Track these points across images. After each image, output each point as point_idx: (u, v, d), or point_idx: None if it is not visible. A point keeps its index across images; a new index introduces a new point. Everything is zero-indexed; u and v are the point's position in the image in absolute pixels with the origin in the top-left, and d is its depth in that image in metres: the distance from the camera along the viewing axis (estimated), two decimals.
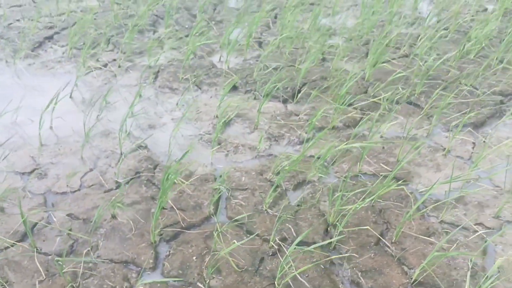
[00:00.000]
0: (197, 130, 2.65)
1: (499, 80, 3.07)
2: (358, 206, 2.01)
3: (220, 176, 2.30)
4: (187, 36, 3.48)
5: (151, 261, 1.89)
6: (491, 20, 3.77)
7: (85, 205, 2.15)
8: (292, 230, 2.04)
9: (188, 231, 2.03)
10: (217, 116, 2.75)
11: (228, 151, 2.50)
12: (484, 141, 2.58)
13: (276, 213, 2.11)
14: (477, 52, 3.37)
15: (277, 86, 2.95)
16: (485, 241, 1.99)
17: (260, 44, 3.56)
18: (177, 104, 2.87)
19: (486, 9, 4.12)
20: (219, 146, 2.53)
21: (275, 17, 3.95)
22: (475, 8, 4.02)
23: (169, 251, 1.94)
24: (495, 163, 2.43)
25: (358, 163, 2.40)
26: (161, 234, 2.01)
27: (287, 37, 3.48)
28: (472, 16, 3.91)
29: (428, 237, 2.02)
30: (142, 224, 2.06)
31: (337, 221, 2.05)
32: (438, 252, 1.85)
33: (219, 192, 2.21)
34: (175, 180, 2.16)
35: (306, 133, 2.61)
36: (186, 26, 3.78)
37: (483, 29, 3.50)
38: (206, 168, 2.38)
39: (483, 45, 3.42)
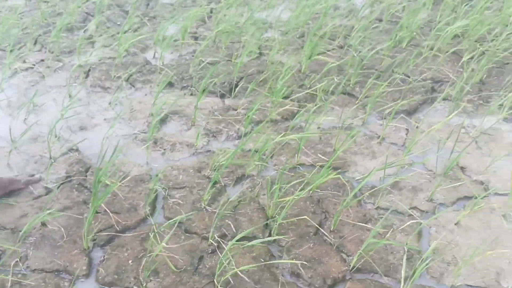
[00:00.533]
0: (131, 130, 2.57)
1: (429, 68, 3.17)
2: (296, 197, 2.00)
3: (156, 175, 2.24)
4: (119, 33, 3.36)
5: (84, 268, 1.81)
6: (422, 9, 3.89)
7: (13, 214, 2.03)
8: (232, 226, 2.01)
9: (123, 235, 1.96)
10: (152, 114, 2.68)
11: (164, 149, 2.44)
12: (416, 127, 2.65)
13: (215, 210, 2.08)
14: (409, 41, 3.47)
15: (214, 81, 2.90)
16: (420, 224, 2.04)
17: (196, 39, 3.50)
18: (109, 103, 2.76)
19: None
20: (155, 144, 2.46)
21: (211, 12, 3.90)
22: None
23: (104, 256, 1.86)
24: (427, 148, 2.50)
25: (296, 154, 2.40)
26: (94, 239, 1.93)
27: (223, 31, 3.44)
28: (404, 6, 4.02)
29: (365, 223, 2.05)
30: (74, 230, 1.96)
31: (277, 214, 2.04)
32: (375, 238, 1.89)
33: (155, 192, 2.15)
34: (108, 182, 2.08)
35: (244, 127, 2.58)
36: (118, 23, 3.66)
37: (414, 18, 3.60)
38: (142, 168, 2.31)
39: (414, 34, 3.52)
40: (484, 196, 2.16)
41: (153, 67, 3.12)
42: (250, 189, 2.21)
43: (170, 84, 2.94)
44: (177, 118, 2.68)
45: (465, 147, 2.42)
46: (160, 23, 3.58)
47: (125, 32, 3.45)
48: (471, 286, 1.83)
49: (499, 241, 2.00)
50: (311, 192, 2.16)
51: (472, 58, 3.20)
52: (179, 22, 3.61)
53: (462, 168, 2.39)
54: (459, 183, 2.28)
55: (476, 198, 2.15)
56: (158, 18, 3.76)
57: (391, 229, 2.02)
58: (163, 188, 2.18)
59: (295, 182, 2.16)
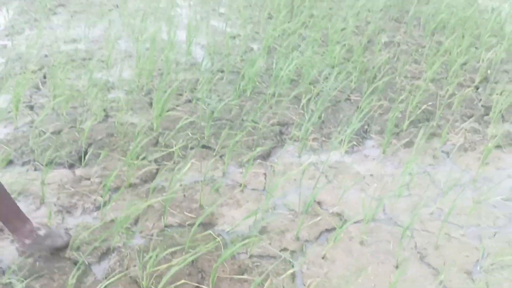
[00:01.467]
0: None
1: (275, 112, 3.38)
2: (174, 265, 1.92)
3: (9, 268, 1.95)
4: None
5: None
6: (258, 59, 4.17)
7: None
8: None
9: None
10: None
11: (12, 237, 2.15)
12: (273, 171, 2.78)
13: None
14: (252, 89, 3.66)
15: (59, 152, 2.69)
16: (292, 265, 2.10)
17: (31, 108, 3.22)
18: None
19: (252, 49, 4.54)
20: (1, 232, 2.16)
21: (44, 77, 3.64)
22: (243, 49, 4.39)
23: None
24: (286, 189, 2.63)
25: (162, 217, 2.31)
26: None
27: (60, 96, 3.22)
28: (241, 56, 4.26)
29: (242, 275, 2.05)
30: None
31: (152, 285, 1.92)
32: None
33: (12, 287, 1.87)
34: None
35: (101, 196, 2.42)
36: None
37: (253, 68, 3.82)
38: None
39: (256, 82, 3.74)
40: (342, 227, 2.33)
41: None
42: (118, 263, 2.06)
43: (10, 162, 2.64)
44: (22, 198, 2.40)
45: (316, 183, 2.60)
46: None
47: None
48: None
49: (362, 266, 2.16)
50: (183, 253, 2.09)
51: (309, 99, 3.50)
52: (10, 91, 3.30)
53: (319, 203, 2.56)
54: (318, 218, 2.43)
55: (335, 229, 2.30)
56: None
57: (264, 274, 2.05)
58: (19, 280, 1.90)
59: (167, 247, 2.07)
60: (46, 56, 3.99)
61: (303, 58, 4.01)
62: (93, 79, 3.56)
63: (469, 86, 3.84)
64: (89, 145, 2.86)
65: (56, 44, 4.25)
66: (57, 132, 2.93)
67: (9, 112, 3.09)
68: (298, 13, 5.15)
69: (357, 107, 3.49)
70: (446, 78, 4.01)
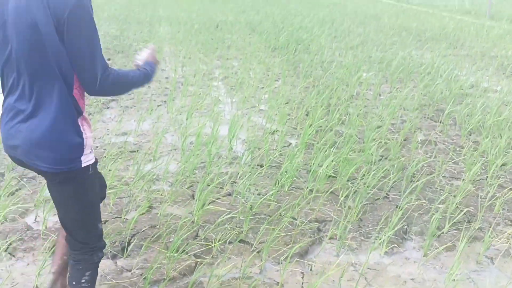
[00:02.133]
0: None
1: (313, 209, 3.42)
2: None
3: None
4: None
5: None
6: (297, 154, 4.29)
7: None
8: None
9: None
10: (37, 287, 2.43)
11: None
12: (310, 269, 2.76)
13: None
14: (290, 185, 3.75)
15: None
16: None
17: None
18: None
19: (290, 144, 4.70)
20: None
21: None
22: (281, 144, 4.56)
23: None
24: None
25: None
26: None
27: (109, 188, 3.39)
28: (280, 151, 4.41)
29: None
30: None
31: None
32: None
33: None
34: None
35: None
36: None
37: (292, 163, 3.94)
38: None
39: (294, 178, 3.83)
40: None
41: (36, 232, 2.91)
42: None
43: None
44: None
45: (356, 285, 2.56)
46: (40, 184, 3.44)
47: (1, 197, 3.23)
48: None
49: None
50: None
51: (347, 196, 3.54)
52: None
53: None
54: None
55: None
56: (37, 178, 3.61)
57: None
58: None
59: None
60: (97, 147, 4.26)
61: (340, 155, 4.11)
62: (140, 171, 3.74)
63: (510, 189, 3.79)
64: (133, 236, 2.95)
65: (107, 137, 4.55)
66: (103, 222, 3.05)
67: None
68: (335, 111, 5.34)
69: (396, 206, 3.49)
70: (486, 179, 3.99)
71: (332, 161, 3.91)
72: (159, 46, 8.48)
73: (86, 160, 1.82)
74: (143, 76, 1.96)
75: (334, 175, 3.90)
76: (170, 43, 8.98)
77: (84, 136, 1.82)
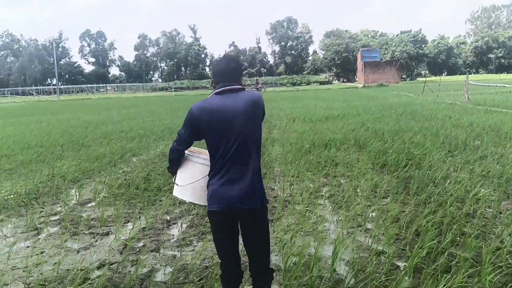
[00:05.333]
0: None
1: None
2: None
3: None
4: None
5: None
6: (404, 278, 4.08)
7: None
8: None
9: None
10: None
11: None
12: None
13: None
14: None
15: None
16: None
17: None
18: None
19: (397, 267, 4.49)
20: None
21: None
22: (387, 266, 4.38)
23: None
24: None
25: None
26: None
27: None
28: (386, 275, 4.23)
29: None
30: None
31: None
32: None
33: None
34: None
35: None
36: None
37: None
38: None
39: None
40: None
41: None
42: None
43: None
44: None
45: None
46: None
47: None
48: None
49: None
50: None
51: None
52: None
53: None
54: None
55: None
56: None
57: None
58: None
59: None
60: (206, 267, 4.49)
61: (453, 281, 3.82)
62: None
63: None
64: None
65: (216, 256, 4.78)
66: None
67: None
68: (448, 231, 5.06)
69: None
70: None
71: None
72: (270, 166, 8.96)
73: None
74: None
75: None
76: (280, 163, 9.44)
77: None
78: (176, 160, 3.14)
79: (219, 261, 3.20)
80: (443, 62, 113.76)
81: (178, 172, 3.17)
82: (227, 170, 2.89)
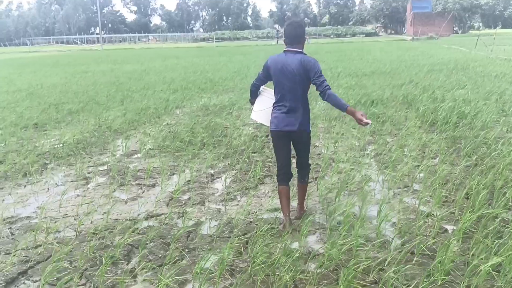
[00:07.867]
0: None
1: None
2: None
3: None
4: (160, 265, 3.52)
5: None
6: (453, 242, 3.97)
7: None
8: None
9: None
10: None
11: None
12: None
13: None
14: (444, 278, 3.47)
15: None
16: None
17: (232, 272, 3.61)
18: None
19: (446, 230, 4.38)
20: None
21: (247, 243, 4.09)
22: (436, 230, 4.27)
23: None
24: None
25: None
26: None
27: (258, 265, 3.55)
28: (434, 238, 4.13)
29: None
30: None
31: None
32: None
33: None
34: None
35: None
36: (160, 256, 3.86)
37: (445, 252, 3.66)
38: None
39: (449, 271, 3.53)
40: None
41: None
42: None
43: None
44: None
45: None
46: (199, 255, 3.76)
47: (161, 265, 3.60)
48: None
49: None
50: None
51: None
52: (217, 253, 3.78)
53: None
54: None
55: None
56: (198, 250, 3.96)
57: None
58: None
59: None
60: (250, 222, 4.53)
61: (505, 248, 3.69)
62: (287, 249, 3.85)
63: None
64: None
65: (260, 212, 4.81)
66: None
67: (212, 273, 3.50)
68: (500, 195, 4.86)
69: None
70: None
71: (495, 255, 3.53)
72: (313, 122, 8.82)
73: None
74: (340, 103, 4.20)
75: (496, 274, 3.50)
76: (324, 119, 9.27)
77: None
78: (254, 92, 4.59)
79: (276, 165, 4.52)
80: (500, 13, 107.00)
81: (256, 102, 4.61)
82: (283, 104, 4.25)
